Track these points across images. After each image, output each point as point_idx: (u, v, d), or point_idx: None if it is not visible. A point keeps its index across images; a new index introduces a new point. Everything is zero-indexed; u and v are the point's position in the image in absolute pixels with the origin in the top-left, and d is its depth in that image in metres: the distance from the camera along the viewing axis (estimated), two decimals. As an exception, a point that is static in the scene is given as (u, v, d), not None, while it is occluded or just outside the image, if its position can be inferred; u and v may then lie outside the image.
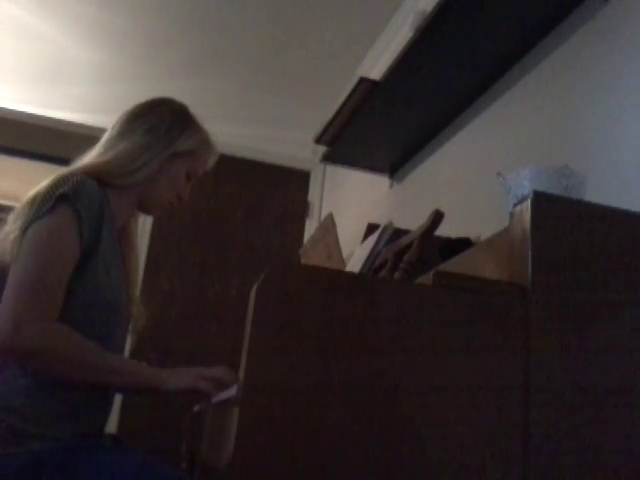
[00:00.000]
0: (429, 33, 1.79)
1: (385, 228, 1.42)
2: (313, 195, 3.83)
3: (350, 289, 0.92)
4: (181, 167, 1.43)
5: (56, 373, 1.18)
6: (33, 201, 1.23)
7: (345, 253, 1.53)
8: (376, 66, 2.75)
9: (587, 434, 0.92)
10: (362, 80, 2.11)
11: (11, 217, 1.26)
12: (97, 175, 1.31)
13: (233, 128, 3.46)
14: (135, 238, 1.51)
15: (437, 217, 1.37)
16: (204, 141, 1.47)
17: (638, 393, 0.95)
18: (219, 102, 3.32)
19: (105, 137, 1.41)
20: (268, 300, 0.88)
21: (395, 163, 2.53)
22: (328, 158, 2.62)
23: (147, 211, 1.47)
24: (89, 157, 1.38)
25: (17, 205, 1.27)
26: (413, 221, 1.54)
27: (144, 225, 3.44)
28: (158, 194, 1.42)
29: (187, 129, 1.43)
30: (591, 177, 1.19)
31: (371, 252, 1.40)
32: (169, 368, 1.25)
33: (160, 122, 1.41)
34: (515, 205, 1.01)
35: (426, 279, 1.00)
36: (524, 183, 1.14)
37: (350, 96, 2.16)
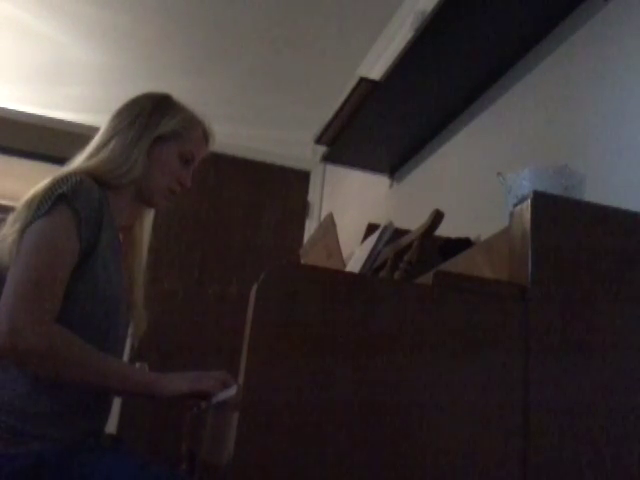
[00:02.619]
0: (429, 33, 1.79)
1: (385, 228, 1.42)
2: (313, 195, 3.83)
3: (350, 289, 0.92)
4: (170, 150, 1.41)
5: (53, 375, 1.18)
6: (31, 202, 1.23)
7: (345, 253, 1.52)
8: (376, 66, 2.75)
9: (587, 434, 0.92)
10: (362, 80, 2.11)
11: (10, 219, 1.26)
12: (95, 176, 1.31)
13: (233, 128, 3.46)
14: (140, 239, 1.49)
15: (437, 217, 1.37)
16: (188, 120, 1.44)
17: (638, 393, 0.95)
18: (219, 102, 3.32)
19: (96, 137, 1.41)
20: (268, 300, 0.88)
21: (395, 163, 2.53)
22: (328, 158, 2.62)
23: (150, 204, 1.45)
24: (82, 158, 1.38)
25: (17, 205, 1.27)
26: (413, 221, 1.54)
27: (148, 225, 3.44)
28: (154, 183, 1.40)
29: (168, 112, 1.42)
30: (591, 177, 1.19)
31: (371, 252, 1.40)
32: (169, 369, 1.25)
33: (141, 112, 1.40)
34: (515, 205, 1.01)
35: (426, 279, 1.00)
36: (524, 183, 1.14)
37: (350, 96, 2.16)
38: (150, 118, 1.39)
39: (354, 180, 3.10)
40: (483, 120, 2.01)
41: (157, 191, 1.41)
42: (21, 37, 3.07)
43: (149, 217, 1.53)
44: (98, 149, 1.37)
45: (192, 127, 1.45)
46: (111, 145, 1.36)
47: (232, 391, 1.02)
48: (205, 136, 1.48)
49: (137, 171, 1.36)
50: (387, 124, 2.26)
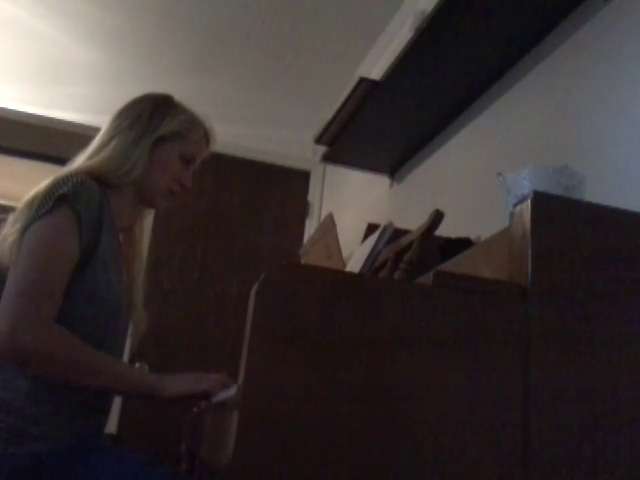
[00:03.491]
0: (429, 33, 1.79)
1: (385, 228, 1.42)
2: (313, 195, 3.83)
3: (350, 289, 0.92)
4: (170, 150, 1.41)
5: (52, 376, 1.18)
6: (32, 202, 1.23)
7: (345, 253, 1.52)
8: (376, 66, 2.75)
9: (587, 434, 0.92)
10: (362, 80, 2.11)
11: (10, 219, 1.26)
12: (96, 176, 1.31)
13: (233, 128, 3.46)
14: (140, 240, 1.50)
15: (437, 217, 1.37)
16: (190, 121, 1.45)
17: (638, 393, 0.95)
18: (219, 102, 3.32)
19: (96, 137, 1.41)
20: (268, 300, 0.88)
21: (395, 163, 2.53)
22: (328, 158, 2.62)
23: (150, 204, 1.46)
24: (83, 158, 1.38)
25: (17, 205, 1.27)
26: (413, 221, 1.54)
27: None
28: (155, 183, 1.40)
29: (170, 113, 1.42)
30: (591, 177, 1.19)
31: (371, 252, 1.40)
32: (169, 369, 1.25)
33: (142, 112, 1.40)
34: (515, 205, 1.01)
35: (426, 279, 1.00)
36: (524, 183, 1.14)
37: (350, 96, 2.16)
38: (151, 119, 1.40)
39: (354, 180, 3.10)
40: (483, 120, 2.01)
41: (157, 191, 1.42)
42: (21, 37, 3.07)
43: (149, 217, 1.53)
44: (99, 149, 1.38)
45: (193, 128, 1.45)
46: (112, 145, 1.36)
47: (232, 391, 1.02)
48: (206, 137, 1.48)
49: (138, 171, 1.36)
50: (387, 124, 2.26)
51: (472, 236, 1.47)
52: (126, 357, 2.57)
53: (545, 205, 0.98)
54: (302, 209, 3.82)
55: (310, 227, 3.72)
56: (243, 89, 3.33)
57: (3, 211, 1.32)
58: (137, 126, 1.38)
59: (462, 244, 1.36)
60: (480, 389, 0.91)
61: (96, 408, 1.30)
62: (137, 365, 2.87)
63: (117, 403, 3.06)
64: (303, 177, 3.89)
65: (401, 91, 2.07)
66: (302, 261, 1.73)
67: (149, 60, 3.18)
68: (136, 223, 1.49)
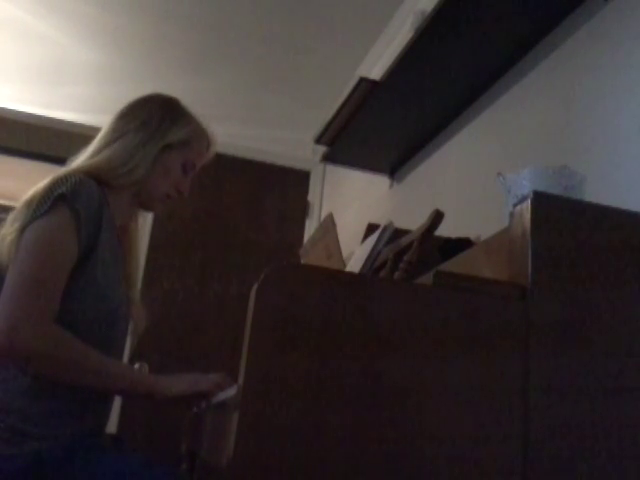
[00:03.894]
0: (429, 33, 1.79)
1: (385, 228, 1.42)
2: (313, 195, 3.83)
3: (350, 289, 0.92)
4: (175, 159, 1.41)
5: (51, 376, 1.18)
6: (31, 202, 1.23)
7: (345, 253, 1.52)
8: (376, 66, 2.75)
9: (587, 434, 0.92)
10: (362, 80, 2.11)
11: (9, 218, 1.25)
12: (95, 175, 1.31)
13: (233, 128, 3.46)
14: (136, 239, 1.50)
15: (437, 217, 1.37)
16: (197, 131, 1.45)
17: (638, 393, 0.95)
18: (219, 102, 3.32)
19: (99, 137, 1.41)
20: (268, 300, 0.88)
21: (395, 163, 2.53)
22: (328, 158, 2.62)
23: (147, 207, 1.46)
24: (84, 157, 1.38)
25: (16, 205, 1.27)
26: (413, 221, 1.53)
27: (144, 225, 3.44)
28: (154, 188, 1.40)
29: (179, 120, 1.43)
30: (591, 177, 1.19)
31: (371, 252, 1.40)
32: (169, 369, 1.26)
33: (151, 117, 1.40)
34: (515, 205, 1.01)
35: (426, 279, 1.00)
36: (524, 183, 1.14)
37: (350, 96, 2.16)
38: (160, 125, 1.39)
39: (354, 180, 3.10)
40: (483, 120, 2.01)
41: (156, 196, 1.43)
42: (21, 37, 3.07)
43: (144, 217, 1.54)
44: (100, 149, 1.37)
45: (199, 138, 1.46)
46: (115, 145, 1.36)
47: (232, 391, 1.02)
48: (208, 145, 1.49)
49: (138, 174, 1.36)
50: (387, 124, 2.26)
51: (472, 236, 1.47)
52: (126, 356, 2.57)
53: (545, 205, 0.98)
54: (302, 209, 3.82)
55: (310, 227, 3.72)
56: (243, 89, 3.33)
57: (3, 211, 1.32)
58: (143, 131, 1.38)
59: (462, 244, 1.36)
60: (480, 389, 0.91)
61: (96, 408, 1.30)
62: (137, 365, 2.87)
63: (117, 403, 3.06)
64: (303, 177, 3.89)
65: (401, 91, 2.07)
66: (302, 261, 1.73)
67: (149, 60, 3.18)
68: (131, 222, 1.49)
